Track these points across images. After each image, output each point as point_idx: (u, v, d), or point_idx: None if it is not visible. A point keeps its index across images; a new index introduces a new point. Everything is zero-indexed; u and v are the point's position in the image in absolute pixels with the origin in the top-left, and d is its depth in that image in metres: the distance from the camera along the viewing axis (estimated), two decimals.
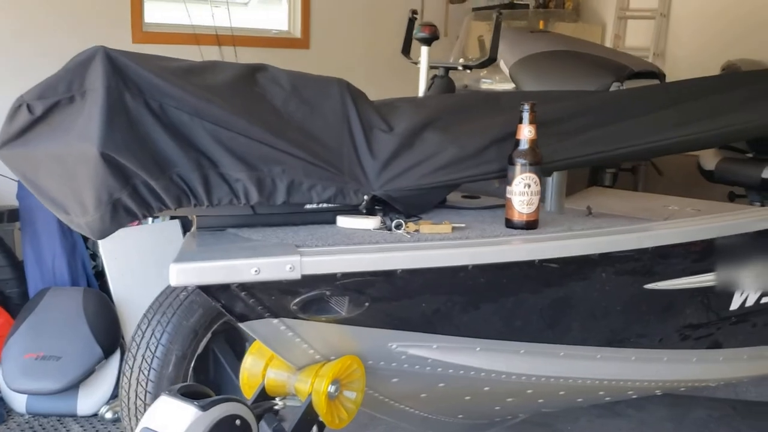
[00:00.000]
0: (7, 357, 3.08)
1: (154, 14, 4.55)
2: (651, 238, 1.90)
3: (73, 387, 3.06)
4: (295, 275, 1.53)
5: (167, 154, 1.55)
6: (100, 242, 3.45)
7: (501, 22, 2.60)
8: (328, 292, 1.62)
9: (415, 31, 2.57)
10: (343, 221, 1.78)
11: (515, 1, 5.84)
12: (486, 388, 2.03)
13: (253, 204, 1.67)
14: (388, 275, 1.65)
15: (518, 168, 1.80)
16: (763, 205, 3.59)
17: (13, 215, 3.59)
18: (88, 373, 3.07)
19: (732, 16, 5.78)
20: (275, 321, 1.63)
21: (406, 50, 2.81)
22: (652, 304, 2.05)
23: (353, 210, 1.80)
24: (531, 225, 1.83)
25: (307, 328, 1.67)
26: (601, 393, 2.30)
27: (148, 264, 3.45)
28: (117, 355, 3.18)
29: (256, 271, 1.50)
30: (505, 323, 1.89)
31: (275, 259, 1.53)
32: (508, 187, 1.82)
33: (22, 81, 1.68)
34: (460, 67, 2.79)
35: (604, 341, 2.06)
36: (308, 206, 1.76)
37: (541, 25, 5.75)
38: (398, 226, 1.75)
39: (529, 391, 2.12)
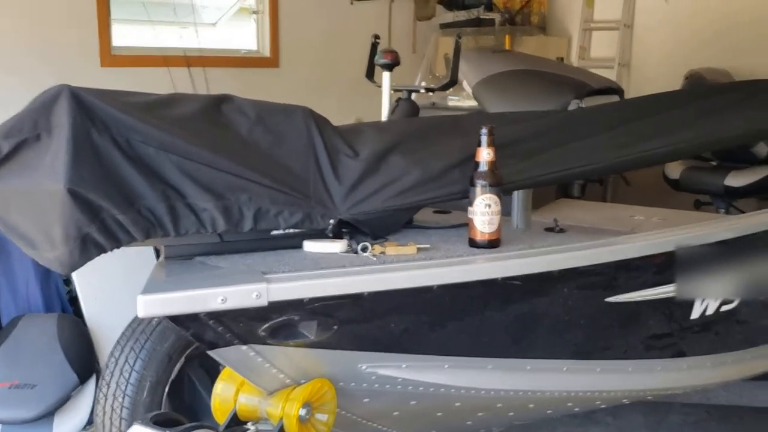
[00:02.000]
0: None
1: (121, 37, 4.52)
2: (608, 253, 1.94)
3: (49, 414, 3.00)
4: (262, 302, 1.55)
5: (134, 188, 1.57)
6: None
7: (460, 45, 2.64)
8: (296, 317, 1.64)
9: (376, 57, 2.59)
10: (310, 245, 1.80)
11: (481, 17, 5.89)
12: (457, 404, 2.06)
13: (220, 232, 1.69)
14: (355, 298, 1.67)
15: (479, 189, 1.84)
16: (728, 212, 3.67)
17: None
18: (64, 400, 3.03)
19: (695, 26, 5.88)
20: (244, 347, 1.65)
21: (370, 74, 2.82)
22: (613, 317, 2.08)
23: (320, 234, 1.82)
24: (493, 243, 1.88)
25: (277, 353, 1.69)
26: (570, 404, 2.33)
27: (122, 288, 3.41)
28: (92, 381, 3.14)
29: (222, 300, 1.52)
30: (472, 340, 1.93)
31: (241, 287, 1.54)
32: (470, 208, 1.86)
33: None
34: (422, 90, 2.83)
35: (570, 354, 2.10)
36: (275, 232, 1.77)
37: (507, 40, 5.82)
38: (364, 249, 1.78)
39: (499, 405, 2.15)
